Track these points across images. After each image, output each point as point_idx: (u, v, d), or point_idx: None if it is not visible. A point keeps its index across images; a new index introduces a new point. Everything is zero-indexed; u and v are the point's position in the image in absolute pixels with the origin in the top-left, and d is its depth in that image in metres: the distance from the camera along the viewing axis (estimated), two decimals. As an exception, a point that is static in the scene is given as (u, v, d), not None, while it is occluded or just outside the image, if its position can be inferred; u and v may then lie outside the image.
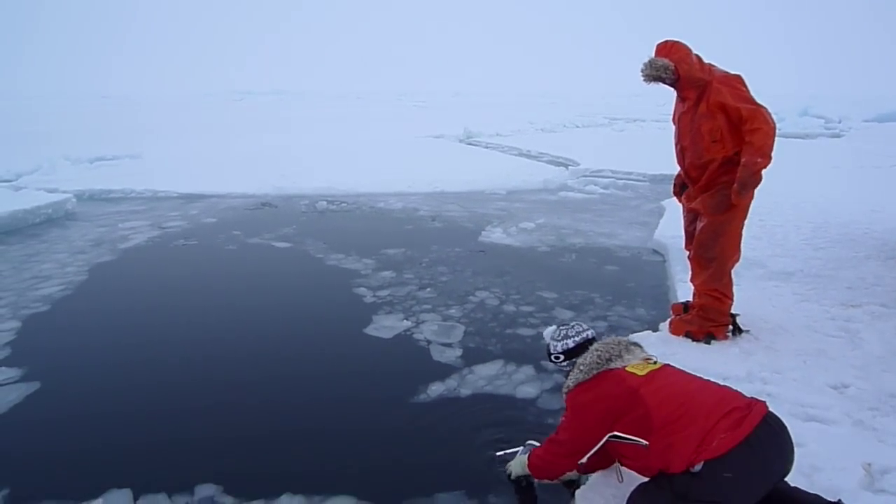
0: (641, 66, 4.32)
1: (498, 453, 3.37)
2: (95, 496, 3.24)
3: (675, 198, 4.99)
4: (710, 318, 4.61)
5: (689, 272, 4.83)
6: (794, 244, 7.26)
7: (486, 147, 21.63)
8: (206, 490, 3.32)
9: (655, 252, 7.78)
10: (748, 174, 4.11)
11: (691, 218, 4.81)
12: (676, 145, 4.62)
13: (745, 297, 5.52)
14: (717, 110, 4.20)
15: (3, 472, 3.47)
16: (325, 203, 11.05)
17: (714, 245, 4.53)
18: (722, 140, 4.24)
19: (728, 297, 4.64)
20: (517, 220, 9.74)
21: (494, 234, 8.83)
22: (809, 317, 5.03)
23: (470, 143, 22.86)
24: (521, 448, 3.25)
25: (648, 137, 26.03)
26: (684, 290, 5.81)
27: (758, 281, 5.96)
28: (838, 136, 27.32)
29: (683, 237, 4.94)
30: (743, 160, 4.13)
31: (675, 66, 4.24)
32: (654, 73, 4.29)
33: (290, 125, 27.51)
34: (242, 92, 76.25)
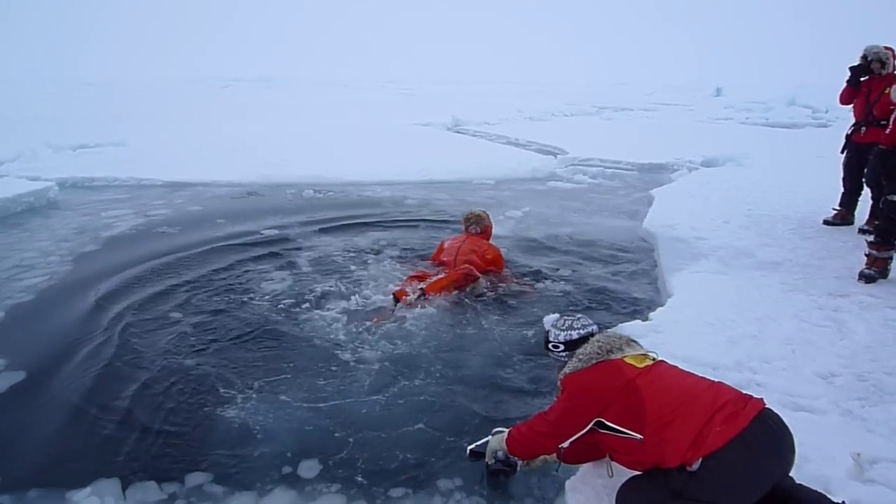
0: None
1: (469, 447, 3.24)
2: (84, 486, 3.22)
3: None
4: None
5: None
6: (781, 234, 7.29)
7: (474, 135, 21.52)
8: (195, 479, 3.31)
9: (644, 241, 7.78)
10: None
11: None
12: None
13: (734, 286, 5.55)
14: None
15: (-13, 462, 3.41)
16: (311, 192, 10.95)
17: None
18: None
19: None
20: (505, 209, 9.71)
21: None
22: (797, 306, 5.05)
23: (458, 132, 22.73)
24: (490, 437, 3.15)
25: (636, 126, 26.06)
26: (673, 280, 5.82)
27: (746, 271, 5.97)
28: (825, 125, 27.43)
29: None
30: None
31: None
32: None
33: (277, 112, 27.18)
34: (228, 78, 75.20)
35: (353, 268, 6.60)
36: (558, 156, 15.82)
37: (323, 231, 8.32)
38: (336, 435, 3.67)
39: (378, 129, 20.39)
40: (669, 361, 2.81)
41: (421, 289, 5.58)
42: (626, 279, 6.48)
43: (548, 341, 3.02)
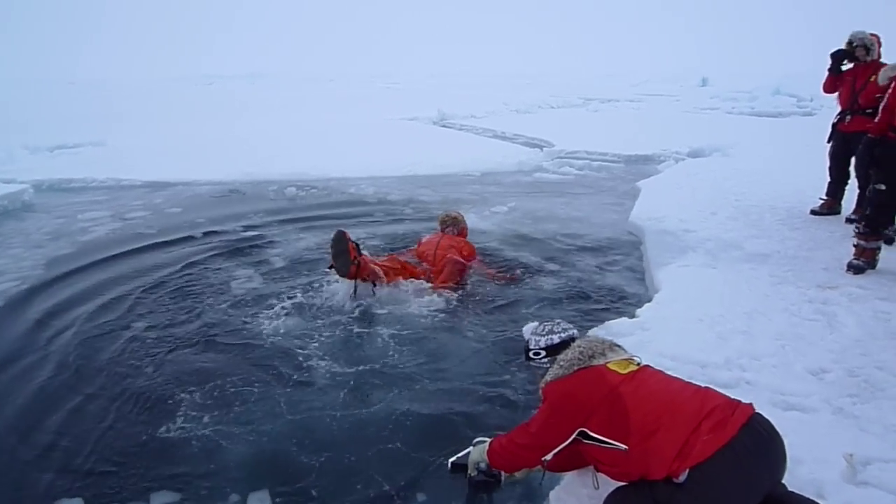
0: None
1: (451, 459, 3.13)
2: (46, 507, 3.07)
3: None
4: None
5: None
6: (769, 225, 7.20)
7: (460, 129, 21.34)
8: (162, 497, 3.17)
9: (631, 234, 7.69)
10: None
11: None
12: None
13: (722, 280, 5.45)
14: None
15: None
16: (294, 189, 10.76)
17: None
18: None
19: None
20: (491, 204, 9.58)
21: (468, 219, 8.62)
22: (787, 300, 4.95)
23: (444, 126, 22.55)
24: (471, 448, 3.04)
25: (623, 117, 25.97)
26: (660, 274, 5.72)
27: (734, 263, 5.88)
28: (810, 114, 27.45)
29: None
30: None
31: None
32: None
33: (261, 109, 26.88)
34: (213, 75, 74.35)
35: (326, 266, 6.39)
36: (545, 148, 15.69)
37: (301, 229, 8.18)
38: (303, 454, 3.50)
39: (363, 125, 20.18)
40: (657, 360, 2.71)
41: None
42: (613, 274, 6.37)
43: (528, 350, 2.92)
